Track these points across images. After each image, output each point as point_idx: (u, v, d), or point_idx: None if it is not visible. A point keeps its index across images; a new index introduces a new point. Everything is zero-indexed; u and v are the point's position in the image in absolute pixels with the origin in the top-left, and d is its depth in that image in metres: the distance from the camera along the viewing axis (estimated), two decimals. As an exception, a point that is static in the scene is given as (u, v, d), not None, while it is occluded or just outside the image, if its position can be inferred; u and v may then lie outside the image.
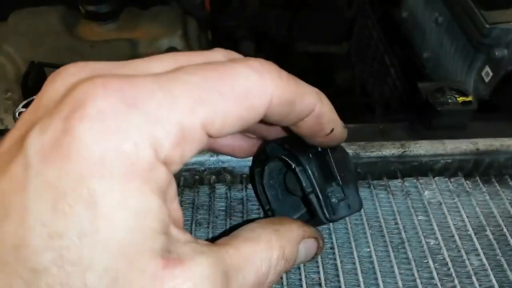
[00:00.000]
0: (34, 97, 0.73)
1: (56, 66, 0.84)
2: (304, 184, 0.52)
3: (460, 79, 1.19)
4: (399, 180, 0.72)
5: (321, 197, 0.52)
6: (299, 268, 0.61)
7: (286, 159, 0.54)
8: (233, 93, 0.33)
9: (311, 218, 0.55)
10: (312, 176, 0.52)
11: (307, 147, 0.54)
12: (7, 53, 1.00)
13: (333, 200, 0.52)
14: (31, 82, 0.76)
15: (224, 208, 0.68)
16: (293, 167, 0.53)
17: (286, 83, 0.37)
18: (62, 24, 1.06)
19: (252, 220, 0.45)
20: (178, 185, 0.70)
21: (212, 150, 0.54)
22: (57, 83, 0.32)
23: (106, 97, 0.27)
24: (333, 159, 0.53)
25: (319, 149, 0.53)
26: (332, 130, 0.46)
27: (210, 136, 0.32)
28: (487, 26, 0.99)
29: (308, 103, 0.40)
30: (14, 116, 0.69)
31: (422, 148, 0.69)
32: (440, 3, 1.25)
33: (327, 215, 0.52)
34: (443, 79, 1.26)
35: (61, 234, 0.25)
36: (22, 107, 0.70)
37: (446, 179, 0.72)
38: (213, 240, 0.37)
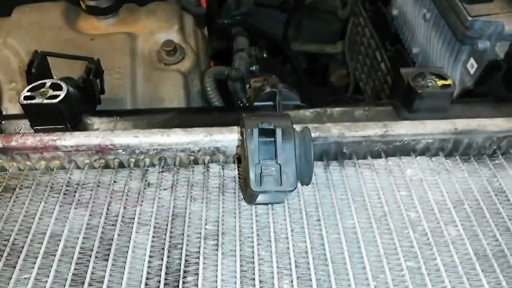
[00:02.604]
0: (38, 82, 0.78)
1: (58, 56, 0.88)
2: (245, 151, 0.58)
3: (447, 72, 1.23)
4: (383, 159, 0.76)
5: (250, 168, 0.57)
6: (287, 238, 0.65)
7: (241, 127, 0.60)
8: None
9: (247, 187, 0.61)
10: (247, 147, 0.58)
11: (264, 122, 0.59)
12: (12, 46, 1.04)
13: (264, 172, 0.58)
14: (35, 70, 0.80)
15: (217, 186, 0.72)
16: (243, 138, 0.59)
17: None
18: (63, 18, 1.10)
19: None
20: (174, 165, 0.74)
21: None
22: None
23: None
24: (283, 139, 0.58)
25: (272, 127, 0.59)
26: None
27: None
28: (470, 18, 1.03)
29: None
30: (20, 99, 0.73)
31: (404, 128, 0.73)
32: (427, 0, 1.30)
33: (251, 184, 0.58)
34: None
35: None
36: (27, 91, 0.74)
37: (428, 158, 0.76)
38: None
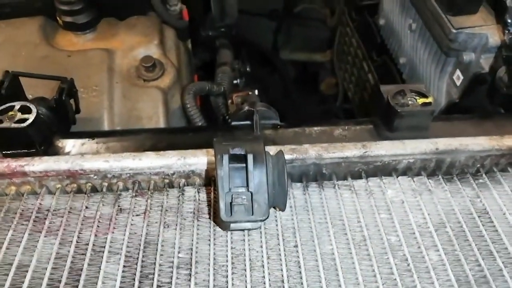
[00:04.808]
0: (8, 104, 0.75)
1: (30, 76, 0.85)
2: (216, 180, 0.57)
3: (433, 83, 1.22)
4: (363, 180, 0.74)
5: (220, 197, 0.56)
6: (262, 266, 0.62)
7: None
8: None
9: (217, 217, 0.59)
10: (217, 175, 0.56)
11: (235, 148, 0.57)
12: (-15, 64, 1.02)
13: (235, 201, 0.56)
14: (5, 91, 0.78)
15: (192, 210, 0.69)
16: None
17: None
18: (40, 34, 1.07)
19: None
20: (148, 189, 0.72)
21: None
22: None
23: None
24: (254, 165, 0.57)
25: (243, 153, 0.57)
26: None
27: None
28: (454, 31, 1.02)
29: None
30: (-13, 123, 0.70)
31: (383, 148, 0.71)
32: (413, 10, 1.29)
33: (222, 214, 0.56)
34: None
35: None
36: (-5, 114, 0.72)
37: (410, 178, 0.74)
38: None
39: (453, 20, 1.05)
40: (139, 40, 1.08)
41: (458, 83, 1.14)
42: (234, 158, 0.58)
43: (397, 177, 0.74)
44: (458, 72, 1.14)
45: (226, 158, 0.56)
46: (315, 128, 0.77)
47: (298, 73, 2.24)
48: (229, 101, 1.05)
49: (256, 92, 1.06)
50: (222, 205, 0.55)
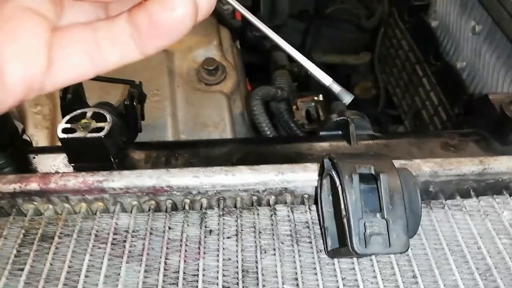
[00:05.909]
0: (78, 112, 0.67)
1: (96, 79, 0.77)
2: (341, 206, 0.49)
3: (501, 89, 1.14)
4: (474, 199, 0.66)
5: (352, 224, 0.48)
6: (382, 300, 0.55)
7: (333, 175, 0.52)
8: None
9: (343, 246, 0.52)
10: (348, 199, 0.48)
11: (362, 166, 0.50)
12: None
13: (368, 231, 0.48)
14: (71, 96, 0.70)
15: (289, 233, 0.62)
16: (337, 185, 0.51)
17: None
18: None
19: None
20: (235, 206, 0.64)
21: None
22: None
23: None
24: (389, 187, 0.48)
25: (373, 173, 0.49)
26: None
27: None
28: (541, 33, 0.95)
29: None
30: (58, 132, 0.63)
31: (503, 165, 0.64)
32: (478, 11, 1.21)
33: (355, 246, 0.48)
34: (482, 89, 1.21)
35: None
36: (66, 122, 0.64)
37: (524, 197, 0.67)
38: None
39: (537, 21, 0.97)
40: (197, 40, 1.01)
41: (534, 90, 1.07)
42: (360, 179, 0.50)
43: (510, 196, 0.67)
44: (534, 78, 1.07)
45: (356, 178, 0.48)
46: (416, 140, 0.69)
47: (331, 76, 2.16)
48: (294, 107, 0.97)
49: (321, 97, 0.99)
50: (355, 235, 0.47)
